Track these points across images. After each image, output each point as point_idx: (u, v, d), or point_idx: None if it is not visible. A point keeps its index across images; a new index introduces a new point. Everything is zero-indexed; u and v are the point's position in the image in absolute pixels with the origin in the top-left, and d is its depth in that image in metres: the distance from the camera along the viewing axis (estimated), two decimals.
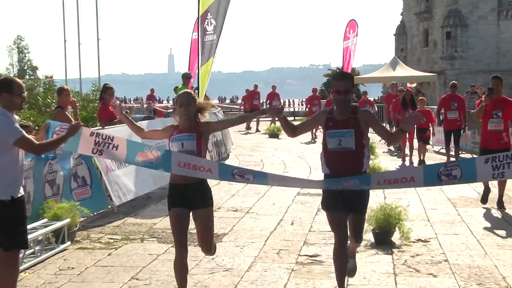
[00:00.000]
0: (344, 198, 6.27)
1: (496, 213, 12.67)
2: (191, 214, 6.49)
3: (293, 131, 6.82)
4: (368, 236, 10.06)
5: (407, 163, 19.80)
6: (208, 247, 6.82)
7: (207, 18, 14.92)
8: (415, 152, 20.53)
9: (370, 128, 7.81)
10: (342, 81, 6.22)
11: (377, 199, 13.15)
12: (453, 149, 18.56)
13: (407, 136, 18.15)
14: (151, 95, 39.64)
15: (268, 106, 33.67)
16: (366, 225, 9.90)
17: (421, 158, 19.25)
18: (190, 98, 6.42)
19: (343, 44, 30.57)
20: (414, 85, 41.84)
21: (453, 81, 20.84)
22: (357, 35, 30.39)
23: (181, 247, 6.29)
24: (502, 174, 5.74)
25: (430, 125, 19.96)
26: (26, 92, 6.95)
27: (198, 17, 15.17)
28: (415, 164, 19.28)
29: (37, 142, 6.39)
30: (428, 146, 21.59)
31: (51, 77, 29.08)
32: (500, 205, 12.21)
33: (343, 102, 6.21)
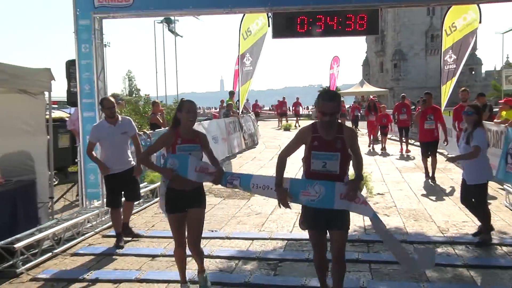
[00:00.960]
0: (325, 215, 5.79)
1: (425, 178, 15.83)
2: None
3: (284, 163, 6.10)
4: None
5: (370, 148, 24.79)
6: (196, 240, 6.67)
7: (246, 56, 18.00)
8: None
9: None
10: (330, 103, 5.58)
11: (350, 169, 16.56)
12: (405, 141, 23.06)
13: (372, 131, 25.67)
14: (221, 106, 41.78)
15: (293, 110, 48.46)
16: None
17: (383, 146, 24.21)
18: (195, 106, 6.39)
19: (330, 71, 42.63)
20: (375, 96, 48.22)
21: (403, 94, 25.55)
22: (339, 66, 41.86)
23: (180, 246, 6.62)
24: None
25: (388, 123, 24.69)
26: (116, 106, 9.13)
27: (238, 56, 19.02)
28: (379, 149, 24.28)
29: (145, 151, 7.56)
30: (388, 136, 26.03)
31: (148, 94, 40.53)
32: (433, 179, 14.99)
33: (329, 123, 5.63)
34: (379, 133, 25.46)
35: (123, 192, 9.40)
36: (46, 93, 9.90)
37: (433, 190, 14.00)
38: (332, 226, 5.86)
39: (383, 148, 24.05)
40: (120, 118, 9.24)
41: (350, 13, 9.52)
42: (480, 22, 16.11)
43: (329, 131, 5.68)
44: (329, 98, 5.63)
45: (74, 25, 10.38)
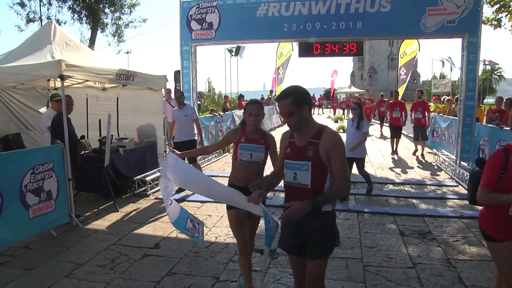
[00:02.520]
0: (299, 238, 2.98)
1: (388, 142, 13.81)
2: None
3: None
4: None
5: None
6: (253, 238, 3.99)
7: (280, 68, 18.18)
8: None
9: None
10: (280, 101, 2.91)
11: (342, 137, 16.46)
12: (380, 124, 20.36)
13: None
14: (262, 98, 40.84)
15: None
16: None
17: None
18: (260, 107, 3.79)
19: (331, 79, 40.01)
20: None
21: (382, 93, 22.40)
22: (337, 75, 39.25)
23: (244, 243, 3.90)
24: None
25: (371, 114, 22.00)
26: (201, 98, 9.76)
27: (275, 68, 18.82)
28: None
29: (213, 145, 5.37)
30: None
31: (220, 91, 36.75)
32: (396, 153, 12.89)
33: (289, 125, 2.96)
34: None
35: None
36: (163, 90, 9.85)
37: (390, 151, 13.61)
38: (306, 251, 2.99)
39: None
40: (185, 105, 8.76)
41: (346, 42, 9.41)
42: (419, 50, 17.78)
43: (301, 135, 2.95)
44: (279, 97, 2.97)
45: (180, 49, 10.44)
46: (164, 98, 9.67)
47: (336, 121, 25.76)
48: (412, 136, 13.65)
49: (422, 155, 12.49)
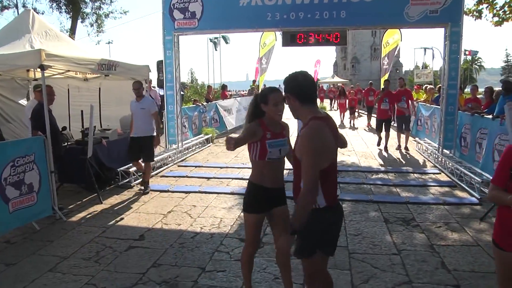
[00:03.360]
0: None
1: (373, 133, 13.90)
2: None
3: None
4: None
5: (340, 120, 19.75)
6: (288, 246, 2.74)
7: (263, 58, 17.91)
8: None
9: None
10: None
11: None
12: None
13: (342, 111, 20.23)
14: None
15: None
16: None
17: (353, 121, 19.07)
18: (282, 96, 3.20)
19: (314, 69, 39.28)
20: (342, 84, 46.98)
21: (370, 81, 21.21)
22: (320, 65, 38.66)
23: (254, 243, 3.57)
24: None
25: (356, 105, 20.19)
26: (184, 89, 9.65)
27: (258, 58, 18.43)
28: (347, 122, 19.44)
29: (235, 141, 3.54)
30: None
31: (203, 82, 39.32)
32: (386, 149, 11.55)
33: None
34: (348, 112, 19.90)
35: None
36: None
37: (375, 139, 13.64)
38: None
39: (353, 123, 19.04)
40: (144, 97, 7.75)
41: (330, 32, 9.35)
42: (401, 40, 17.60)
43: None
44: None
45: (162, 39, 10.27)
46: (145, 89, 9.53)
47: None
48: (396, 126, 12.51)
49: (406, 147, 11.74)
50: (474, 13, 12.76)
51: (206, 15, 9.67)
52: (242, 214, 6.12)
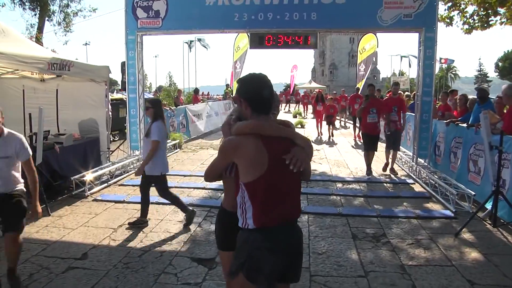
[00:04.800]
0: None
1: (350, 143, 14.37)
2: None
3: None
4: None
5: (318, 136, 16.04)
6: None
7: (237, 62, 17.31)
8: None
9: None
10: None
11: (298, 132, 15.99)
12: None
13: (318, 119, 16.65)
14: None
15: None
16: None
17: (331, 131, 15.81)
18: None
19: (290, 74, 37.34)
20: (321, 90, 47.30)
21: (357, 87, 17.87)
22: (296, 70, 37.01)
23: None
24: None
25: (335, 113, 16.94)
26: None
27: (233, 62, 17.78)
28: (325, 136, 15.87)
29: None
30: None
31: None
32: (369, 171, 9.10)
33: None
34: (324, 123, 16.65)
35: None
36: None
37: (350, 149, 13.36)
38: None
39: (332, 134, 15.86)
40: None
41: (300, 34, 8.90)
42: (377, 46, 17.50)
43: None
44: None
45: (125, 38, 9.69)
46: (105, 91, 8.93)
47: (294, 116, 25.43)
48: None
49: (392, 169, 9.37)
50: (446, 19, 12.62)
51: (170, 15, 9.12)
52: (197, 229, 5.71)
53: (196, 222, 6.02)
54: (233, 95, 24.07)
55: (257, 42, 8.95)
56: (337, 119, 20.78)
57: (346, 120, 22.43)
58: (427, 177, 8.11)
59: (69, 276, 4.37)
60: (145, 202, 5.98)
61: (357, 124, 13.82)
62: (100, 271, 4.47)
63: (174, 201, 5.96)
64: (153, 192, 7.60)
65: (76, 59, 8.75)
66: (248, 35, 9.28)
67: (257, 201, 2.29)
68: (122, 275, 4.38)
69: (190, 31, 9.49)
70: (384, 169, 9.43)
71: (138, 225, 5.83)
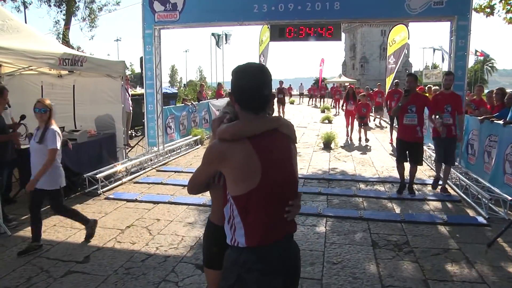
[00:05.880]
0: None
1: (386, 148, 12.66)
2: None
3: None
4: (321, 145, 11.89)
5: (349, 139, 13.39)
6: None
7: (262, 55, 16.83)
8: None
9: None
10: None
11: (325, 128, 15.06)
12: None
13: (349, 120, 13.60)
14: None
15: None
16: (320, 140, 12.24)
17: (365, 137, 12.98)
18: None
19: (319, 67, 36.05)
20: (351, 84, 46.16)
21: (396, 80, 14.46)
22: (324, 64, 35.85)
23: None
24: None
25: (368, 113, 13.78)
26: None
27: (258, 55, 17.27)
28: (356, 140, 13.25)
29: None
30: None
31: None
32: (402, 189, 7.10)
33: None
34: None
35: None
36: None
37: (376, 146, 12.66)
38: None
39: (366, 139, 12.95)
40: None
41: (323, 25, 8.45)
42: (408, 38, 16.00)
43: None
44: None
45: (142, 32, 9.50)
46: (122, 86, 8.72)
47: (323, 111, 24.80)
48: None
49: (444, 188, 7.17)
50: (486, 9, 11.74)
51: (188, 7, 8.84)
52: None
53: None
54: None
55: (278, 34, 8.55)
56: (372, 116, 18.51)
57: (381, 118, 19.69)
58: (457, 178, 7.50)
59: (67, 281, 4.16)
60: (38, 222, 4.97)
61: (395, 125, 11.11)
62: (99, 277, 4.23)
63: (73, 215, 5.23)
64: (165, 190, 7.42)
65: (108, 55, 8.69)
66: (268, 27, 8.87)
67: (249, 217, 1.94)
68: (121, 281, 4.12)
69: (208, 23, 9.16)
70: (434, 186, 7.31)
71: (32, 251, 4.82)
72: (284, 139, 2.07)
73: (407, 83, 6.92)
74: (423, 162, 8.67)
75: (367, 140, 12.97)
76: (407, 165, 7.04)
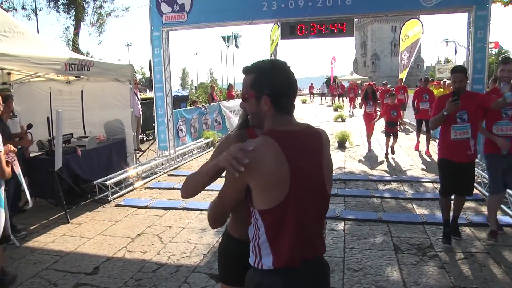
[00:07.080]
0: None
1: (411, 156, 11.04)
2: None
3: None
4: (335, 144, 11.52)
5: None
6: None
7: (272, 55, 16.56)
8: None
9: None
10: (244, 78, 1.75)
11: (338, 127, 14.95)
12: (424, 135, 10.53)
13: (370, 127, 11.13)
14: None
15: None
16: (334, 139, 11.92)
17: (392, 150, 10.08)
18: None
19: (330, 66, 35.73)
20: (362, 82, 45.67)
21: (426, 76, 13.79)
22: (335, 61, 35.51)
23: None
24: None
25: (398, 119, 10.43)
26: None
27: (269, 56, 17.01)
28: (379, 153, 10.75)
29: None
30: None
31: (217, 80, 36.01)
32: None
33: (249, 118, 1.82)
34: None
35: None
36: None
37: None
38: None
39: (392, 151, 10.12)
40: None
41: (334, 21, 8.19)
42: (422, 33, 15.43)
43: None
44: (242, 71, 1.79)
45: (150, 35, 9.35)
46: (131, 90, 8.57)
47: (335, 110, 24.46)
48: None
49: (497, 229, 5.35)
50: None
51: (195, 8, 8.67)
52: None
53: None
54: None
55: (288, 32, 8.32)
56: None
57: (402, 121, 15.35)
58: (479, 175, 7.17)
59: None
60: None
61: (423, 128, 10.14)
62: None
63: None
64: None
65: (119, 60, 8.57)
66: (278, 25, 8.64)
67: (278, 236, 1.63)
68: None
69: (217, 23, 8.94)
70: (495, 233, 4.99)
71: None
72: (317, 140, 1.75)
73: (454, 82, 4.60)
74: None
75: (393, 152, 10.16)
76: None
